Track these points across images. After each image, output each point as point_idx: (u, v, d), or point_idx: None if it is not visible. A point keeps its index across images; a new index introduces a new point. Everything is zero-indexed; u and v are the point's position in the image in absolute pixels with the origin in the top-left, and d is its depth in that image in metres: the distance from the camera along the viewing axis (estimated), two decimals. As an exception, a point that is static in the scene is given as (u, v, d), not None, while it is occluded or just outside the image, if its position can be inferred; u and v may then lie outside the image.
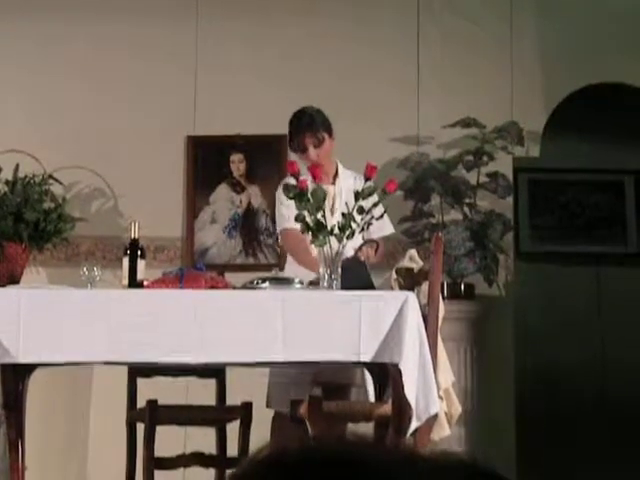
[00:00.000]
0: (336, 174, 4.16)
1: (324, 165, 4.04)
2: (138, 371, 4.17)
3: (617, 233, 5.33)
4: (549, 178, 5.36)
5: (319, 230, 3.47)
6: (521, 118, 5.30)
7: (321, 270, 3.48)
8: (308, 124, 4.09)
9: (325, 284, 3.46)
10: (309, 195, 3.51)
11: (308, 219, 3.50)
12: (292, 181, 3.70)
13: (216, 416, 4.18)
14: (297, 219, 3.54)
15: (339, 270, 3.45)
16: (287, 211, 4.03)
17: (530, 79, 5.45)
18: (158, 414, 3.92)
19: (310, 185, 3.56)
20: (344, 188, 4.10)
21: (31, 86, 5.49)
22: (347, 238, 3.47)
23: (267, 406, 4.08)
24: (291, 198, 3.57)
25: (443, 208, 5.28)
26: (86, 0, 5.56)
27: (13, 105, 5.45)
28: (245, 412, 4.04)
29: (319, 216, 3.49)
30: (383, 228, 4.10)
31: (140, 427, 4.04)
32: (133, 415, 4.15)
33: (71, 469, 5.18)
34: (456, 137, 5.34)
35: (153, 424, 3.90)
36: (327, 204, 3.97)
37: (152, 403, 3.94)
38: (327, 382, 3.90)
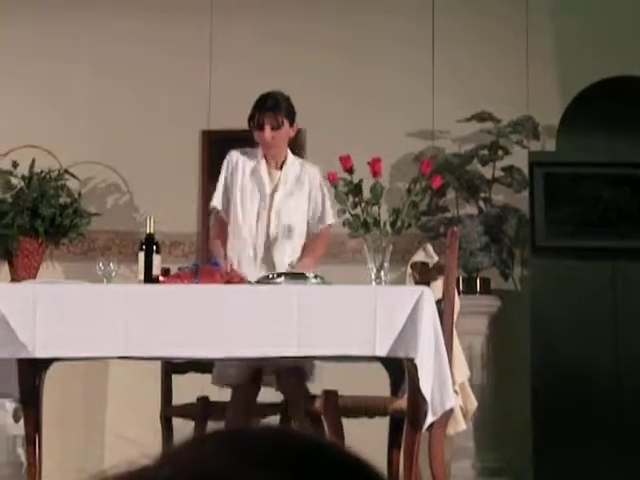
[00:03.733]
0: (284, 162, 4.19)
1: (276, 149, 4.09)
2: (173, 367, 4.17)
3: (633, 227, 5.31)
4: (565, 172, 5.34)
5: (368, 225, 3.52)
6: (537, 112, 5.28)
7: (369, 265, 3.53)
8: (272, 106, 4.10)
9: (373, 277, 3.50)
10: (346, 189, 3.55)
11: (359, 213, 3.56)
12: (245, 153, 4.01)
13: (259, 411, 4.16)
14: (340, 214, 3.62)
15: (386, 265, 3.49)
16: (218, 185, 4.16)
17: (546, 73, 5.43)
18: (209, 410, 3.93)
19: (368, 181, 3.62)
20: (290, 174, 4.14)
21: (47, 82, 5.50)
22: (397, 233, 3.51)
23: (212, 382, 4.06)
24: (346, 194, 3.63)
25: (458, 202, 5.27)
26: (101, -5, 5.57)
27: (29, 101, 5.47)
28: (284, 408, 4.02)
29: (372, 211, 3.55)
30: (324, 218, 4.13)
31: (176, 422, 4.05)
32: (171, 410, 4.14)
33: (88, 464, 5.20)
34: (471, 131, 5.32)
35: (204, 420, 3.90)
36: (269, 188, 4.04)
37: (203, 399, 3.96)
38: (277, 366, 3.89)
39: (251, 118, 4.14)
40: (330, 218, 4.13)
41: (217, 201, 4.15)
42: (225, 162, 4.22)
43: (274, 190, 4.11)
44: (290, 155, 4.21)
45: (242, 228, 4.04)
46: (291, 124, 4.12)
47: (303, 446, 0.60)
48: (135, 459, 0.60)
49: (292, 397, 3.86)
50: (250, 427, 0.63)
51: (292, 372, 3.87)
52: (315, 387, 3.74)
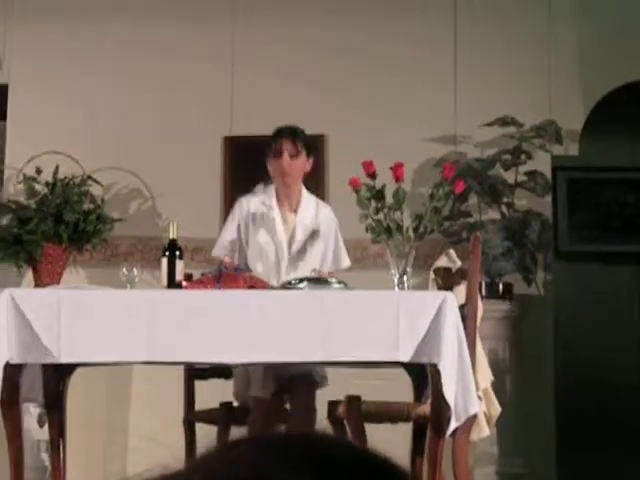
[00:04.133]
0: (298, 203, 4.12)
1: (291, 178, 4.03)
2: (196, 373, 4.18)
3: (657, 232, 5.27)
4: (588, 176, 5.32)
5: (391, 230, 3.52)
6: (560, 116, 5.26)
7: (391, 270, 3.53)
8: (291, 133, 4.07)
9: (396, 282, 3.49)
10: (364, 194, 3.55)
11: (382, 219, 3.56)
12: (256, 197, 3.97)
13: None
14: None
15: (408, 270, 3.49)
16: (223, 235, 4.11)
17: (569, 77, 5.41)
18: (233, 416, 3.93)
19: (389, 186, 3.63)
20: (306, 220, 4.10)
21: (70, 88, 5.54)
22: (419, 238, 3.51)
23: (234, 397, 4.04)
24: (368, 199, 3.64)
25: (481, 207, 5.26)
26: (123, 2, 5.60)
27: (52, 107, 5.50)
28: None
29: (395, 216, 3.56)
30: (339, 262, 4.10)
31: (199, 427, 4.06)
32: (194, 415, 4.15)
33: (111, 468, 5.21)
34: (494, 136, 5.31)
35: (227, 426, 3.91)
36: (285, 235, 4.00)
37: (226, 405, 3.97)
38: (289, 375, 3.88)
39: (269, 146, 4.07)
40: (345, 261, 4.14)
41: (220, 251, 4.09)
42: (236, 210, 4.14)
43: (290, 241, 4.07)
44: (305, 193, 4.15)
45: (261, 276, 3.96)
46: (308, 156, 4.08)
47: (334, 450, 0.60)
48: (166, 463, 0.61)
49: (297, 409, 3.85)
50: (280, 432, 0.64)
51: (301, 383, 3.87)
52: (338, 392, 3.73)
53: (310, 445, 0.60)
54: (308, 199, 4.14)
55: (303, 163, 4.07)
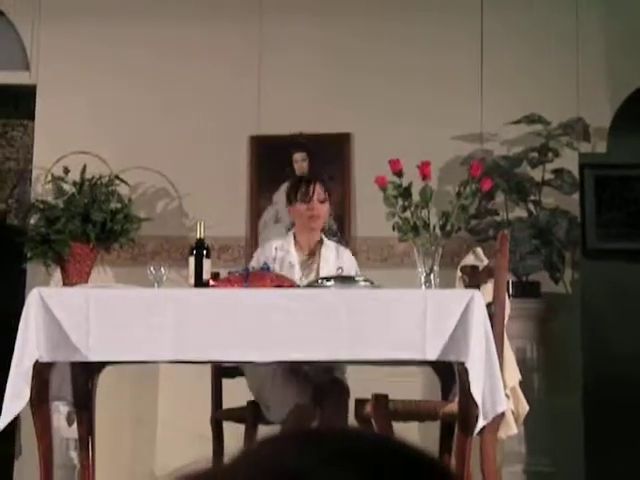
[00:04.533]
0: (319, 248, 4.19)
1: (317, 222, 4.14)
2: (223, 371, 4.20)
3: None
4: (616, 174, 5.29)
5: (417, 228, 3.52)
6: (587, 114, 5.24)
7: (418, 268, 3.52)
8: (319, 179, 4.24)
9: (423, 280, 3.49)
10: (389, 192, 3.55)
11: (409, 217, 3.56)
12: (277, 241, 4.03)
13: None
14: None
15: (435, 268, 3.48)
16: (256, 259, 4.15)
17: (596, 74, 5.38)
18: (260, 414, 3.95)
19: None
20: (327, 260, 4.13)
21: (97, 88, 5.57)
22: (447, 236, 3.51)
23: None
24: (395, 197, 3.64)
25: (508, 205, 5.24)
26: (151, 4, 5.63)
27: (80, 107, 5.54)
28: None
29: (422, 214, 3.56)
30: None
31: (227, 425, 4.08)
32: (222, 414, 4.17)
33: (139, 466, 5.24)
34: (520, 134, 5.29)
35: (254, 424, 3.92)
36: (303, 279, 4.02)
37: (254, 403, 3.98)
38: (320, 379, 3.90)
39: (295, 190, 4.15)
40: None
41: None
42: (259, 252, 4.23)
43: (316, 278, 4.10)
44: (324, 238, 4.25)
45: None
46: (330, 203, 4.23)
47: (378, 444, 0.60)
48: (208, 458, 0.61)
49: (330, 413, 3.84)
50: (323, 427, 0.64)
51: (334, 389, 3.87)
52: (365, 391, 3.73)
53: (354, 440, 0.60)
54: (328, 243, 4.25)
55: (328, 209, 4.23)
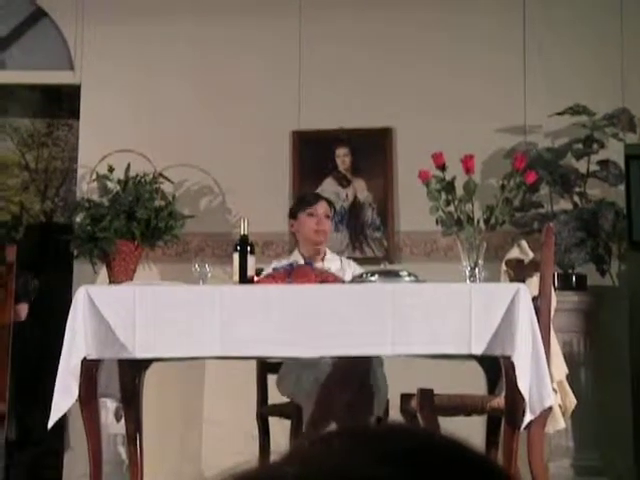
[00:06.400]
0: (323, 257, 4.31)
1: (323, 237, 4.26)
2: (268, 367, 4.21)
3: None
4: (662, 164, 5.21)
5: (461, 222, 3.52)
6: (632, 104, 5.17)
7: (463, 262, 3.53)
8: (325, 198, 4.42)
9: (467, 274, 3.49)
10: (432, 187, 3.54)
11: (453, 211, 3.57)
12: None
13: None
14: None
15: (480, 262, 3.48)
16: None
17: (641, 63, 5.31)
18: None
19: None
20: (332, 268, 4.17)
21: (140, 87, 5.61)
22: (491, 229, 3.51)
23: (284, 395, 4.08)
24: (438, 191, 3.67)
25: (552, 198, 5.19)
26: (193, 3, 5.65)
27: (124, 106, 5.58)
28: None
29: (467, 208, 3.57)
30: None
31: (273, 421, 4.09)
32: (267, 410, 4.19)
33: (185, 462, 5.27)
34: (564, 125, 5.24)
35: (300, 420, 3.93)
36: None
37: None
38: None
39: (301, 204, 4.31)
40: None
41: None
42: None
43: None
44: (328, 251, 4.36)
45: None
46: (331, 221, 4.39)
47: (428, 442, 0.60)
48: (255, 455, 0.61)
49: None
50: (376, 425, 0.64)
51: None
52: (411, 385, 3.72)
53: (408, 439, 0.60)
54: (332, 256, 4.36)
55: (330, 226, 4.38)
